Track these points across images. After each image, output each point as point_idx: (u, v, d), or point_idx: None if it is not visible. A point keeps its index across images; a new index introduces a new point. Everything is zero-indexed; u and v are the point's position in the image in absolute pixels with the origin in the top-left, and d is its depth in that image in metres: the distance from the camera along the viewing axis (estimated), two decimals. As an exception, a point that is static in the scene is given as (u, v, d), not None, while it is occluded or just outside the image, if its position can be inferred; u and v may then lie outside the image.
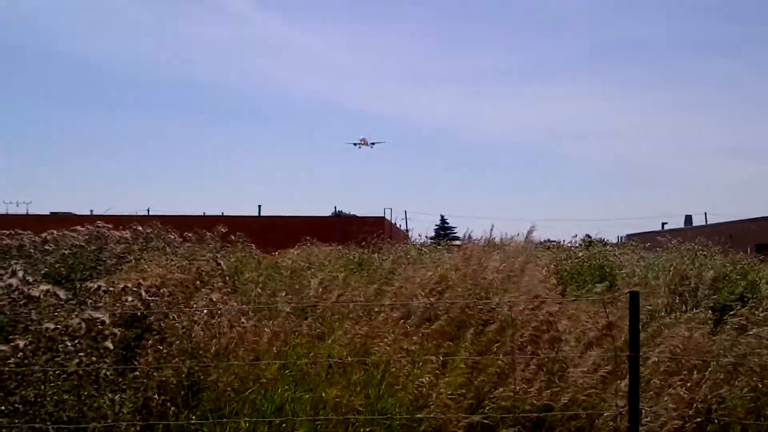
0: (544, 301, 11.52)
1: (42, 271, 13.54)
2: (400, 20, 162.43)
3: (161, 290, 10.99)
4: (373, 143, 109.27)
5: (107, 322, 9.02)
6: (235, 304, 11.22)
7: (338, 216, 66.81)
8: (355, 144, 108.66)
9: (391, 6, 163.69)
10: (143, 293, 10.52)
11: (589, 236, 30.70)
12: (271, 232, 40.46)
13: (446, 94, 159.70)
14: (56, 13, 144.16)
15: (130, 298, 10.20)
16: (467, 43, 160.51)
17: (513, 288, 13.25)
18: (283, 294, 12.82)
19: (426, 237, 38.89)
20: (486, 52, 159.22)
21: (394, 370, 9.60)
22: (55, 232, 16.74)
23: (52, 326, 8.76)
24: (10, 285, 9.19)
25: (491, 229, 21.53)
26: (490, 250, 17.96)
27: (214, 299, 10.55)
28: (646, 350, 9.32)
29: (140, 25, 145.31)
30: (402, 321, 11.40)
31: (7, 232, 17.27)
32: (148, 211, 52.11)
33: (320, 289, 13.30)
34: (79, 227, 17.21)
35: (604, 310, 9.91)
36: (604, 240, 32.14)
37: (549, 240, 36.63)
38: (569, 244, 30.59)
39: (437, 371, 9.54)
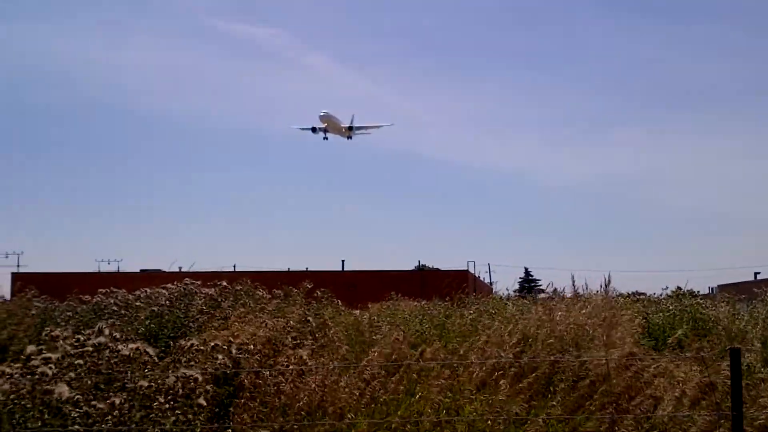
0: (638, 357, 11.23)
1: (136, 329, 13.84)
2: (475, 71, 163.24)
3: (251, 347, 11.13)
4: (351, 128, 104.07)
5: (200, 379, 9.19)
6: (324, 361, 11.25)
7: (421, 270, 66.55)
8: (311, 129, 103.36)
9: (460, 57, 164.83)
10: (233, 351, 10.68)
11: (680, 288, 29.89)
12: (355, 287, 40.63)
13: (524, 142, 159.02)
14: (138, 73, 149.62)
15: (220, 356, 10.36)
16: (544, 92, 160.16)
17: (602, 342, 12.95)
18: (370, 350, 12.80)
19: (510, 290, 38.52)
20: (564, 100, 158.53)
21: (485, 427, 9.47)
22: (148, 290, 17.16)
23: (146, 384, 8.95)
24: (99, 343, 9.43)
25: (574, 281, 21.11)
26: (575, 302, 17.64)
27: (304, 356, 10.62)
28: (745, 408, 8.97)
29: (219, 82, 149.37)
30: (490, 377, 11.25)
31: (103, 291, 17.81)
32: (234, 267, 53.02)
33: (406, 345, 13.24)
34: (168, 284, 17.57)
35: (702, 366, 9.61)
36: (694, 291, 31.29)
37: (637, 292, 35.87)
38: (658, 296, 29.90)
39: (529, 429, 9.37)
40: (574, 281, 17.92)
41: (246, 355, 10.84)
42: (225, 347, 10.65)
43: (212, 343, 10.71)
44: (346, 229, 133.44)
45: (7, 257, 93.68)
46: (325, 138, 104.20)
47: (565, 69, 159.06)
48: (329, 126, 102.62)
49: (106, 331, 9.67)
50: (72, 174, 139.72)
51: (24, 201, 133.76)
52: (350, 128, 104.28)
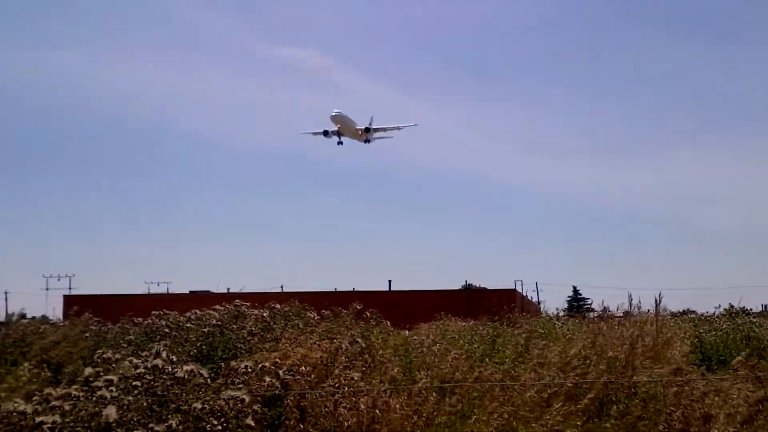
0: (690, 377, 11.08)
1: (188, 351, 14.00)
2: (515, 87, 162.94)
3: (300, 369, 11.19)
4: (368, 130, 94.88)
5: (247, 400, 9.29)
6: (375, 382, 11.26)
7: (468, 289, 66.25)
8: (322, 133, 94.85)
9: (499, 72, 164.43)
10: (281, 373, 10.75)
11: (732, 305, 29.38)
12: (402, 307, 40.56)
13: (571, 160, 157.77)
14: (181, 98, 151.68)
15: (268, 378, 10.44)
16: (590, 109, 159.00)
17: (654, 362, 12.81)
18: (421, 371, 12.77)
19: (559, 309, 38.16)
20: (610, 116, 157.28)
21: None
22: (198, 311, 17.33)
23: (199, 406, 9.07)
24: (156, 366, 9.58)
25: (631, 300, 20.79)
26: (626, 321, 17.44)
27: (355, 378, 10.65)
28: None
29: (258, 103, 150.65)
30: (543, 399, 11.16)
31: (156, 313, 18.06)
32: (281, 287, 53.31)
33: (457, 366, 13.17)
34: (218, 306, 17.74)
35: (757, 386, 9.45)
36: (747, 309, 30.72)
37: (688, 310, 35.34)
38: (710, 315, 29.42)
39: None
40: (630, 300, 17.68)
41: (296, 377, 10.91)
42: (273, 369, 10.73)
43: (261, 365, 10.78)
44: (392, 249, 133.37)
45: (59, 280, 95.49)
46: (340, 143, 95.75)
47: (611, 86, 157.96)
48: (342, 128, 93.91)
49: (164, 354, 9.82)
50: (121, 197, 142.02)
51: (75, 224, 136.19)
52: (367, 130, 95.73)
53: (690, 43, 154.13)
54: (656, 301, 17.18)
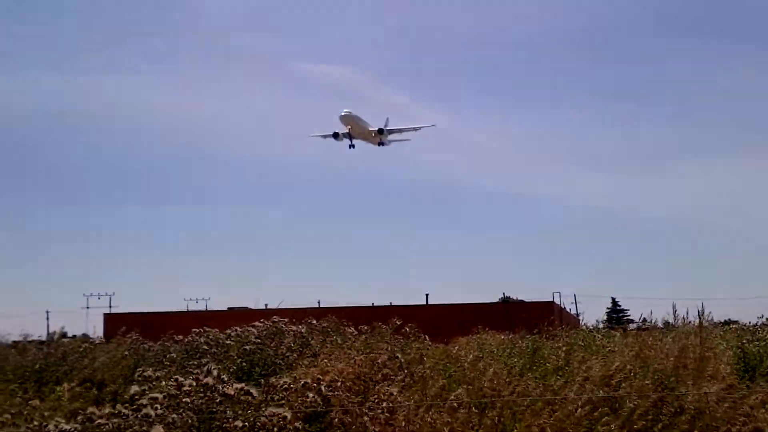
0: (737, 389, 10.88)
1: (229, 368, 14.07)
2: (550, 103, 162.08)
3: (340, 384, 11.18)
4: (381, 131, 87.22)
5: (289, 417, 9.28)
6: (414, 397, 11.21)
7: (506, 302, 65.81)
8: (332, 135, 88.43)
9: (539, 90, 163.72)
10: (323, 389, 10.74)
11: (775, 315, 28.79)
12: (440, 321, 40.42)
13: (608, 173, 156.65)
14: (220, 118, 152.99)
15: (310, 394, 10.44)
16: (627, 123, 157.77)
17: (698, 375, 12.58)
18: (460, 386, 12.68)
19: (599, 321, 37.77)
20: (650, 131, 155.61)
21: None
22: (238, 328, 17.45)
23: (241, 423, 9.08)
24: (207, 384, 9.62)
25: (675, 311, 20.42)
26: (668, 333, 17.18)
27: (394, 393, 10.61)
28: None
29: (299, 122, 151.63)
30: (586, 413, 11.00)
31: (196, 330, 18.21)
32: (318, 303, 53.36)
33: (496, 381, 13.06)
34: (256, 322, 17.83)
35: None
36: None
37: (729, 320, 34.76)
38: (753, 325, 28.89)
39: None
40: (675, 310, 17.35)
41: (336, 392, 10.89)
42: (314, 385, 10.72)
43: (302, 381, 10.79)
44: (428, 262, 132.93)
45: (99, 298, 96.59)
46: (352, 146, 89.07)
47: (650, 100, 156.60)
48: (353, 129, 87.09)
49: (214, 372, 9.85)
50: (159, 216, 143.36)
51: (115, 242, 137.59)
52: (380, 131, 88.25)
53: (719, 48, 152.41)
54: (699, 311, 16.89)
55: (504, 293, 73.11)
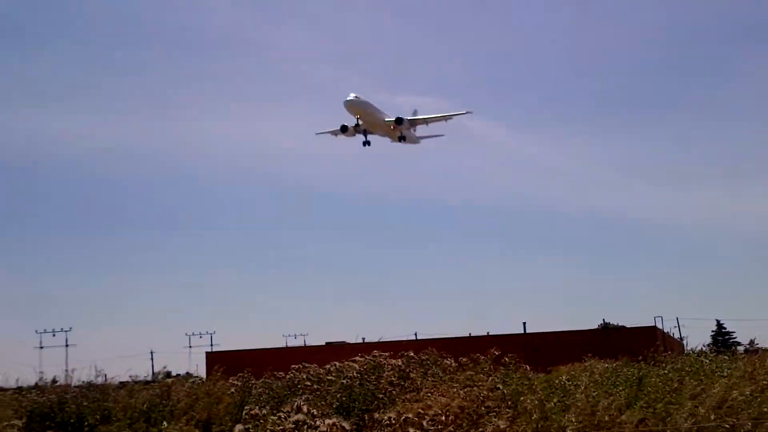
0: None
1: (330, 404, 14.08)
2: (640, 124, 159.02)
3: (443, 419, 11.04)
4: (400, 121, 73.61)
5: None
6: (520, 429, 10.99)
7: (606, 327, 64.39)
8: (340, 129, 76.47)
9: (624, 108, 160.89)
10: (425, 423, 10.62)
11: None
12: (539, 349, 39.85)
13: (703, 194, 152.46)
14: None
15: (412, 430, 10.34)
16: (721, 141, 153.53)
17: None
18: (568, 417, 12.37)
19: (704, 345, 36.52)
20: (746, 150, 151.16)
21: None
22: (337, 363, 17.49)
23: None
24: (297, 421, 9.64)
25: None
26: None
27: (501, 426, 10.43)
28: None
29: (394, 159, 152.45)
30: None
31: (296, 366, 18.33)
32: (415, 335, 53.31)
33: (605, 410, 12.67)
34: (356, 357, 17.85)
35: None
36: None
37: None
38: None
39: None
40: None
41: (439, 427, 10.77)
42: (417, 420, 10.62)
43: (404, 416, 10.71)
44: (526, 289, 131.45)
45: (200, 337, 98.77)
46: (366, 143, 76.55)
47: (741, 117, 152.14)
48: (363, 119, 73.01)
49: (304, 408, 9.88)
50: (258, 255, 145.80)
51: (214, 283, 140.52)
52: (398, 121, 74.26)
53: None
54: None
55: (604, 319, 71.71)
